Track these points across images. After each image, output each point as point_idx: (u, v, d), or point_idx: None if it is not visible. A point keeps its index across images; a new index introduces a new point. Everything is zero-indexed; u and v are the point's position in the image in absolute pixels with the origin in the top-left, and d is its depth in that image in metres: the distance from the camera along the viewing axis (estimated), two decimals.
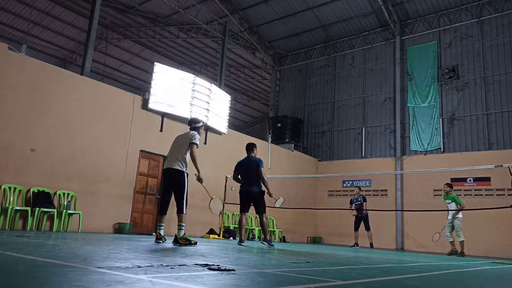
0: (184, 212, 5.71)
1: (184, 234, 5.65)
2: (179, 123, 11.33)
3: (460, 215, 10.30)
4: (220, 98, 12.66)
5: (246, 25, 17.94)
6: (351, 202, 12.39)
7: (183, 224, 5.64)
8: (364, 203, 12.05)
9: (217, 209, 8.20)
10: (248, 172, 7.59)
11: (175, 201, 5.80)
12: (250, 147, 7.85)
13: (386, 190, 15.09)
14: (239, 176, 7.72)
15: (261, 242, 7.69)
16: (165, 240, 5.93)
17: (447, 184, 10.78)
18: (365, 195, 12.97)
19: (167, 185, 5.95)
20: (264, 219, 7.50)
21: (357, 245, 12.07)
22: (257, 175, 7.49)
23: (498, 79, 13.78)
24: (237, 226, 10.02)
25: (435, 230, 11.07)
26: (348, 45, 17.65)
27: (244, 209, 7.65)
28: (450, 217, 10.43)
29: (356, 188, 12.69)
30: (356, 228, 12.11)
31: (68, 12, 18.23)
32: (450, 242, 10.55)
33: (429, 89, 15.07)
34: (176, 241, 5.54)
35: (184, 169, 5.80)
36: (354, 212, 12.13)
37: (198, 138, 5.88)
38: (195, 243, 5.71)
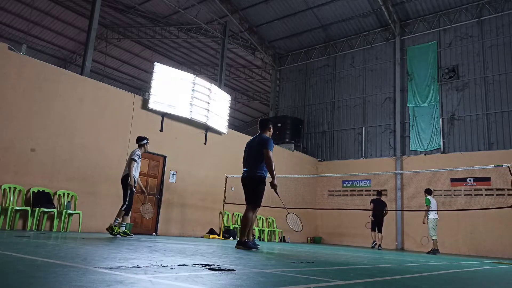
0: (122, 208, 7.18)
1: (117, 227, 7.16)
2: (179, 123, 11.35)
3: (431, 215, 10.91)
4: (220, 98, 12.66)
5: (246, 25, 17.94)
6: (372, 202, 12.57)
7: (119, 219, 7.20)
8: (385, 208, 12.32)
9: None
10: (251, 153, 5.97)
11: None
12: (265, 124, 6.20)
13: (386, 190, 15.07)
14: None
15: (235, 246, 5.80)
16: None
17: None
18: (365, 195, 12.98)
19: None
20: (250, 213, 5.76)
21: (376, 244, 12.10)
22: (261, 157, 5.80)
23: (498, 79, 13.77)
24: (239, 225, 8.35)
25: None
26: (348, 45, 17.65)
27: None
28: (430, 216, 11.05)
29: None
30: (373, 228, 12.27)
31: (68, 12, 18.22)
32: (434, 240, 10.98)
33: (429, 89, 15.06)
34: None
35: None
36: (370, 218, 12.33)
37: (136, 154, 7.44)
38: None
